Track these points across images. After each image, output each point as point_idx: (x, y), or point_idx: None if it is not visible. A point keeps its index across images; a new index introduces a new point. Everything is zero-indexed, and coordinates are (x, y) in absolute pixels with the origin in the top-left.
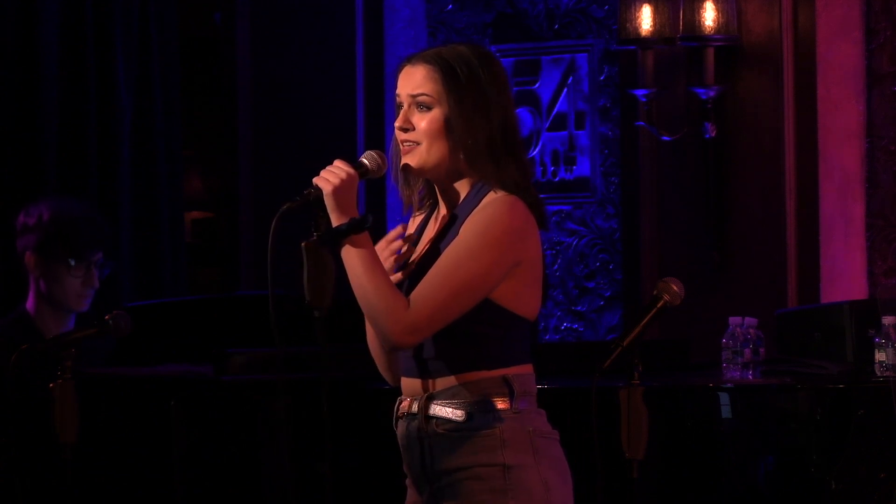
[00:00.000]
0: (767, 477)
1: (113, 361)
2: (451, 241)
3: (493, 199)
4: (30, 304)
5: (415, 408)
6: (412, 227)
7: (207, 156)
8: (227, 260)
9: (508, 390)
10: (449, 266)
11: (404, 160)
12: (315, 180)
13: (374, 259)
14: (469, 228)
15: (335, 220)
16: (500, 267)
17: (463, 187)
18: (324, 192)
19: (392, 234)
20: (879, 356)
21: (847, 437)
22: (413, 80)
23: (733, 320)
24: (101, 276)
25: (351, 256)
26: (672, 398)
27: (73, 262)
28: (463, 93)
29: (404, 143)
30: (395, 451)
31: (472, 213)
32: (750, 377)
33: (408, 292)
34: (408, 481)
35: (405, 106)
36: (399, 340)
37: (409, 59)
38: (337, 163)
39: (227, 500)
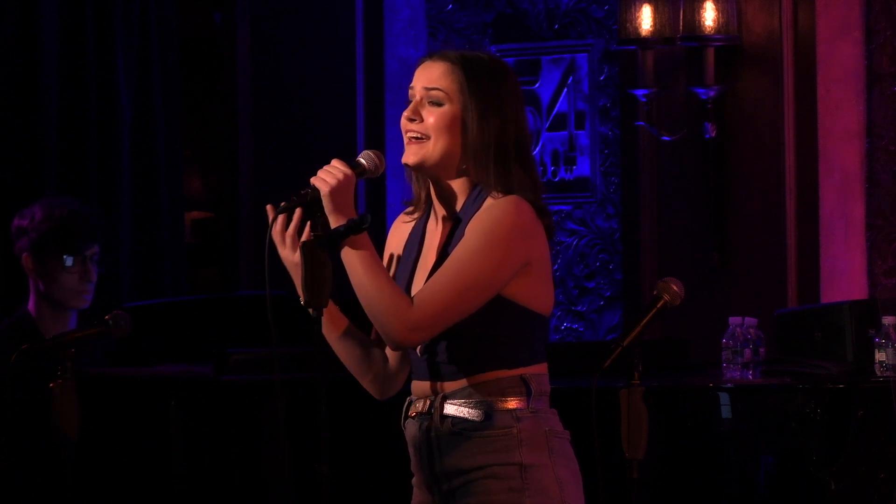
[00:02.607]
0: (767, 477)
1: (113, 361)
2: (458, 243)
3: (497, 200)
4: (31, 305)
5: (427, 407)
6: (399, 232)
7: (207, 156)
8: (227, 260)
9: (525, 389)
10: (455, 265)
11: (405, 156)
12: (312, 180)
13: (375, 259)
14: (474, 228)
15: (333, 222)
16: (508, 265)
17: (461, 190)
18: (321, 193)
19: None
20: (879, 356)
21: (847, 437)
22: (430, 75)
23: (733, 320)
24: (99, 270)
25: (351, 257)
26: (672, 398)
27: (67, 258)
28: (478, 96)
29: (408, 133)
30: (395, 451)
31: (476, 213)
32: (750, 377)
33: None
34: (415, 481)
35: (417, 97)
36: (403, 339)
37: (430, 55)
38: (334, 162)
39: (226, 500)
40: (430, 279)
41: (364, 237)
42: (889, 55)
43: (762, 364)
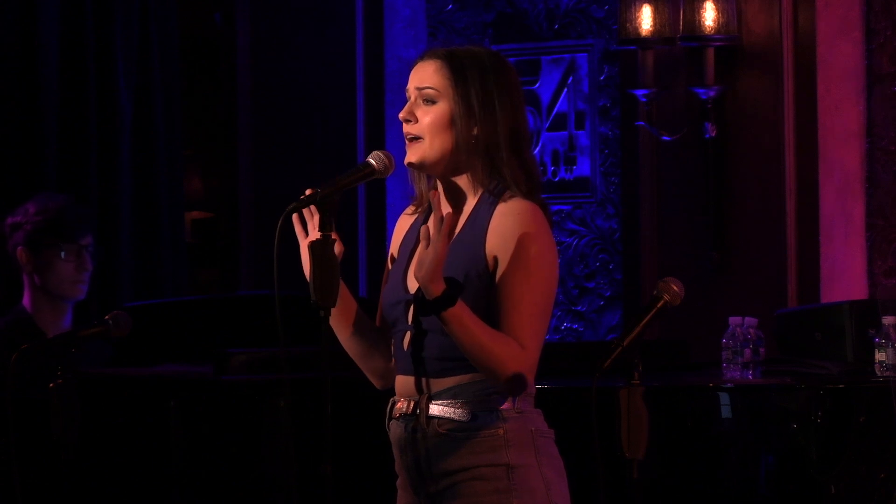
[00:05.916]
0: (767, 477)
1: (113, 361)
2: (471, 241)
3: (521, 210)
4: (26, 301)
5: (412, 408)
6: (404, 226)
7: (207, 156)
8: (227, 260)
9: None
10: (532, 294)
11: (407, 157)
12: (421, 278)
13: (476, 318)
14: (521, 249)
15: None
16: (558, 272)
17: (466, 187)
18: (424, 286)
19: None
20: (879, 356)
21: (847, 437)
22: (422, 74)
23: (733, 320)
24: (93, 260)
25: (458, 318)
26: (672, 398)
27: (64, 247)
28: (469, 90)
29: (407, 135)
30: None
31: (511, 231)
32: (750, 377)
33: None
34: (399, 483)
35: (411, 98)
36: (524, 384)
37: (422, 54)
38: (432, 248)
39: (226, 500)
40: (514, 316)
41: (460, 303)
42: (889, 55)
43: (762, 364)
